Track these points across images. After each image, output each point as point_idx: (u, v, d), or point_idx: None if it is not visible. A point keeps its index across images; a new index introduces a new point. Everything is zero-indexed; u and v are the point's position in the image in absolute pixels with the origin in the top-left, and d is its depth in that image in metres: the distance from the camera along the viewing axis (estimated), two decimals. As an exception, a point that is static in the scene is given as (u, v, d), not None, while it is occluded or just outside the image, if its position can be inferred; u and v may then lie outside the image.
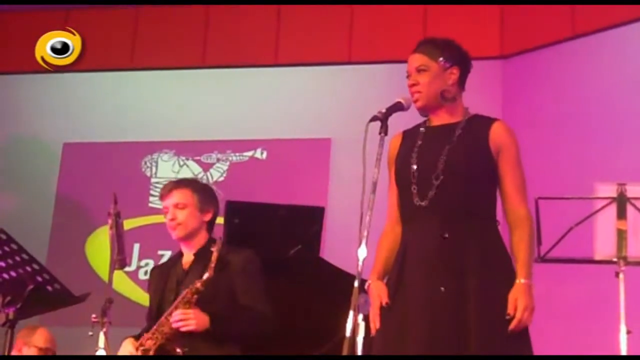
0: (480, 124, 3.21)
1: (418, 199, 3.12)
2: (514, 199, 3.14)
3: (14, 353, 4.52)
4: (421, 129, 3.26)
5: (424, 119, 3.28)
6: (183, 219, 3.86)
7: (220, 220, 4.60)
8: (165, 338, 3.62)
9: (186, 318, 3.59)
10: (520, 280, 3.02)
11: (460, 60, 3.26)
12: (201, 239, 3.90)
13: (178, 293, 3.77)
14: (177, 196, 3.90)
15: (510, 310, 2.98)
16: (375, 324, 3.07)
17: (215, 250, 3.62)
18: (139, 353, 3.65)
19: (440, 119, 3.23)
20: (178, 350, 3.59)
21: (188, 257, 3.90)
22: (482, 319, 2.97)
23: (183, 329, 3.59)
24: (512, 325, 2.97)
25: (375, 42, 7.03)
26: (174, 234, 3.89)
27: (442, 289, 3.01)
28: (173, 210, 3.88)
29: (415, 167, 3.16)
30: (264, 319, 3.75)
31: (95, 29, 7.55)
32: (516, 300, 2.99)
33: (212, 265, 3.59)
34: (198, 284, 3.60)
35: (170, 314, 3.63)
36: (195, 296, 3.61)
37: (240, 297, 3.74)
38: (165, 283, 3.89)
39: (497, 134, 3.18)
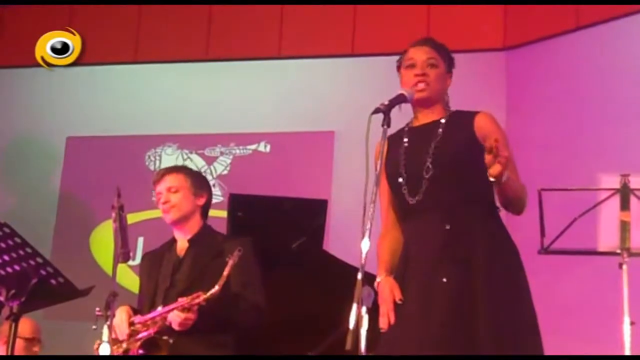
0: (463, 117, 3.23)
1: (410, 198, 3.14)
2: None
3: (0, 346, 4.55)
4: (404, 131, 3.27)
5: (406, 122, 3.30)
6: (177, 202, 3.88)
7: (224, 213, 4.62)
8: (156, 331, 3.64)
9: (185, 324, 3.58)
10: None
11: (452, 70, 3.32)
12: (195, 224, 3.91)
13: (173, 281, 3.79)
14: (170, 180, 3.93)
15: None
16: (389, 318, 3.07)
17: (228, 266, 3.55)
18: (128, 330, 3.68)
19: (425, 117, 3.26)
20: (164, 337, 3.60)
21: (182, 244, 3.91)
22: (490, 309, 2.97)
23: (177, 330, 3.60)
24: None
25: (378, 33, 7.02)
26: (168, 217, 3.90)
27: (444, 279, 3.01)
28: (166, 194, 3.90)
29: (403, 166, 3.17)
30: (255, 309, 3.75)
31: (99, 23, 7.54)
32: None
33: (222, 282, 3.53)
34: (201, 298, 3.55)
35: (166, 313, 3.62)
36: (195, 307, 3.57)
37: (232, 285, 3.71)
38: (158, 270, 3.89)
39: (481, 123, 3.19)
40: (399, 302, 3.07)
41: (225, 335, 3.74)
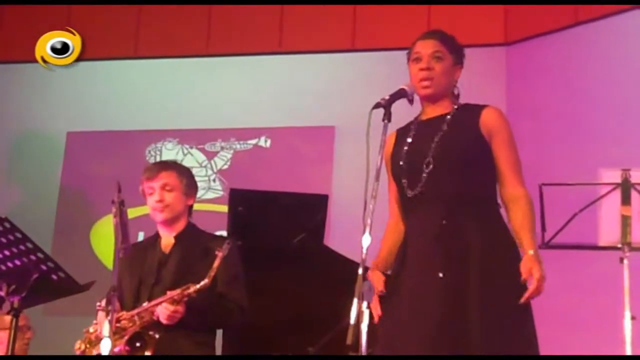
0: (470, 111, 3.21)
1: (410, 191, 3.13)
2: (510, 180, 3.14)
3: None
4: (412, 125, 3.27)
5: (416, 115, 3.29)
6: (171, 201, 3.88)
7: (224, 208, 4.62)
8: (142, 326, 3.64)
9: (174, 316, 3.60)
10: (529, 252, 3.01)
11: (462, 61, 3.28)
12: (182, 222, 3.92)
13: (159, 277, 3.79)
14: (165, 178, 3.91)
15: (524, 276, 2.96)
16: (377, 311, 3.07)
17: (218, 258, 3.56)
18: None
19: (433, 111, 3.24)
20: (150, 332, 3.60)
21: (168, 240, 3.91)
22: (485, 304, 2.96)
23: (165, 323, 3.61)
24: (527, 294, 2.96)
25: (379, 29, 7.01)
26: (161, 216, 3.90)
27: (440, 275, 3.01)
28: (160, 192, 3.88)
29: (404, 159, 3.17)
30: (239, 311, 3.78)
31: (98, 19, 7.53)
32: (530, 270, 2.96)
33: (212, 274, 3.55)
34: (191, 290, 3.57)
35: (154, 306, 3.63)
36: (185, 299, 3.59)
37: (218, 285, 3.74)
38: (142, 265, 3.88)
39: (487, 118, 3.18)
40: (380, 294, 3.07)
41: (209, 334, 3.79)
